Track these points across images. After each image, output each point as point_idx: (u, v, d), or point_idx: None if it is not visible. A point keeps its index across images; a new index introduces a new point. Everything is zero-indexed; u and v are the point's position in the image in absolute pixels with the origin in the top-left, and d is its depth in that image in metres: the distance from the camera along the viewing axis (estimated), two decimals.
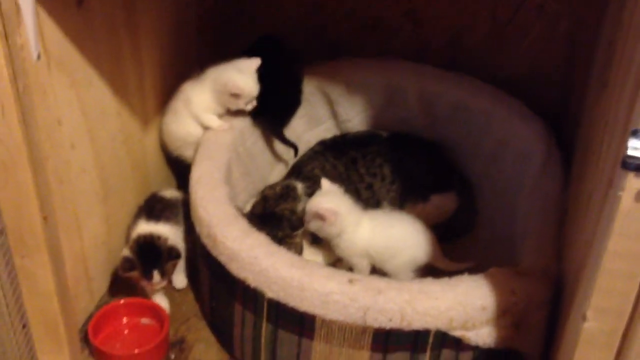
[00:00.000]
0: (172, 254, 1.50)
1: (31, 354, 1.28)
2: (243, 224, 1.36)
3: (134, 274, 1.47)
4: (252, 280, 1.28)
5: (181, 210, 1.63)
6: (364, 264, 1.48)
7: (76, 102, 1.35)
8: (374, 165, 1.69)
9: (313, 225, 1.48)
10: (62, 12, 1.23)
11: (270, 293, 1.26)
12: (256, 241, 1.31)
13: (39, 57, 1.16)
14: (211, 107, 1.63)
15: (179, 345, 1.49)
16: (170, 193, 1.67)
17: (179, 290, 1.63)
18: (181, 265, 1.62)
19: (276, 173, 1.79)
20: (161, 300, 1.56)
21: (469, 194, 1.74)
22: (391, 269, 1.47)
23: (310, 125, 1.84)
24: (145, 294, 1.56)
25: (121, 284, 1.62)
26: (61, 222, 1.31)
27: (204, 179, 1.48)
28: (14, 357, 1.25)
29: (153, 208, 1.59)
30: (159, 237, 1.51)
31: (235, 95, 1.59)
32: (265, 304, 1.29)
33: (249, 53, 1.66)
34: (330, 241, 1.49)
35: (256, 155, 1.72)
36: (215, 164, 1.53)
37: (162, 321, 1.48)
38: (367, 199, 1.66)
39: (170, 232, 1.55)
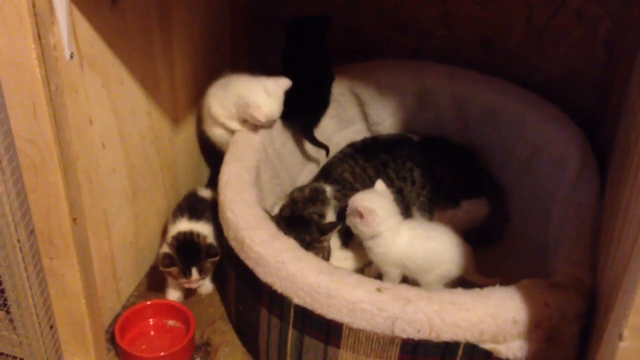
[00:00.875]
0: (211, 252, 1.50)
1: (58, 354, 1.29)
2: (271, 228, 1.35)
3: (173, 270, 1.47)
4: (279, 286, 1.26)
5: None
6: (396, 273, 1.46)
7: (107, 101, 1.34)
8: (404, 169, 1.66)
9: (350, 221, 1.46)
10: (96, 10, 1.23)
11: (296, 299, 1.24)
12: (284, 246, 1.30)
13: (71, 56, 1.15)
14: (232, 115, 1.62)
15: (205, 348, 1.48)
16: (208, 193, 1.67)
17: (203, 294, 1.62)
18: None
19: (305, 175, 1.77)
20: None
21: (500, 200, 1.70)
22: (424, 280, 1.44)
23: (340, 127, 1.82)
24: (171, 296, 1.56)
25: (148, 285, 1.63)
26: (90, 222, 1.31)
27: (232, 180, 1.46)
28: (41, 357, 1.26)
29: (196, 207, 1.59)
30: (198, 235, 1.52)
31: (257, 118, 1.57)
32: (292, 310, 1.27)
33: (288, 33, 1.67)
34: (364, 242, 1.47)
35: (285, 157, 1.70)
36: (245, 166, 1.51)
37: (188, 323, 1.47)
38: (396, 204, 1.63)
39: (209, 232, 1.55)
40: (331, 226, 1.51)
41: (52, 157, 1.02)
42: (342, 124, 1.83)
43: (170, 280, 1.56)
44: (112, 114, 1.36)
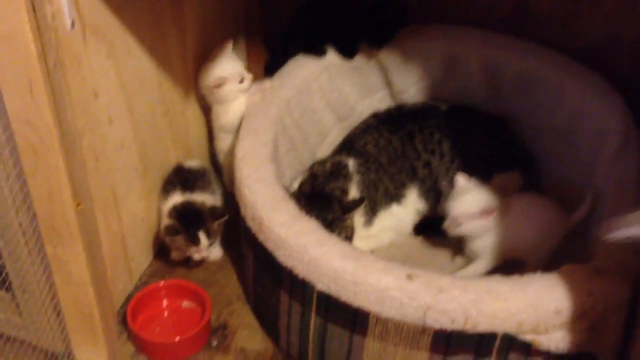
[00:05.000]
0: (217, 213, 1.44)
1: (66, 341, 1.22)
2: (291, 208, 1.26)
3: (180, 240, 1.41)
4: (301, 270, 1.18)
5: (213, 179, 1.57)
6: (492, 260, 1.41)
7: (114, 72, 1.25)
8: (432, 141, 1.56)
9: (455, 228, 1.39)
10: None
11: (320, 285, 1.16)
12: (305, 227, 1.21)
13: (72, 25, 1.05)
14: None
15: (222, 330, 1.40)
16: (196, 163, 1.59)
17: (220, 271, 1.54)
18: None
19: (325, 147, 1.67)
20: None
21: (534, 173, 1.60)
22: (532, 258, 1.39)
23: (362, 94, 1.71)
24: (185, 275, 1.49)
25: (161, 264, 1.55)
26: (98, 201, 1.23)
27: (248, 156, 1.37)
28: (48, 346, 1.19)
29: (186, 179, 1.51)
30: (197, 202, 1.45)
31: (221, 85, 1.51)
32: (315, 296, 1.19)
33: None
34: (471, 241, 1.42)
35: (304, 127, 1.60)
36: (261, 139, 1.42)
37: (203, 304, 1.40)
38: (424, 178, 1.54)
39: (207, 200, 1.49)
40: (355, 203, 1.41)
41: (52, 139, 0.93)
42: (364, 92, 1.72)
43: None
44: (119, 87, 1.27)
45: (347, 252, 1.15)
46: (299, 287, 1.20)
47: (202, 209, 1.44)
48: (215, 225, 1.43)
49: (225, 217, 1.44)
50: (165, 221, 1.44)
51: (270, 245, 1.23)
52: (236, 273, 1.53)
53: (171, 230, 1.40)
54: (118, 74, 1.25)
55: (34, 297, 1.17)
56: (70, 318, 1.13)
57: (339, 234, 1.37)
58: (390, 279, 1.10)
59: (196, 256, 1.45)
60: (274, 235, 1.21)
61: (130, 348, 1.35)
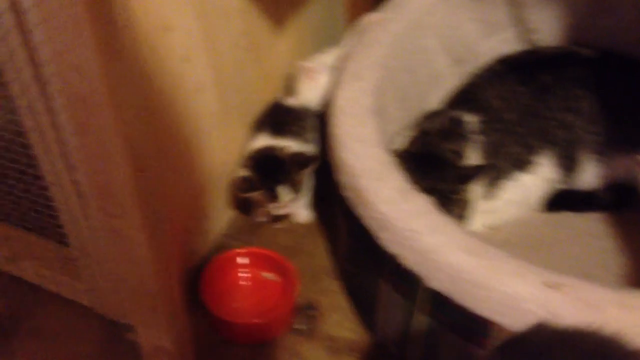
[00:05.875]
0: (299, 160, 1.25)
1: (127, 313, 1.06)
2: (400, 179, 1.01)
3: (256, 196, 1.23)
4: (409, 260, 0.95)
5: (310, 124, 1.36)
6: None
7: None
8: (571, 97, 1.26)
9: None
10: None
11: (432, 281, 0.93)
12: (418, 207, 0.97)
13: None
14: None
15: (308, 311, 1.20)
16: (295, 101, 1.39)
17: (308, 236, 1.33)
18: (305, 196, 1.34)
19: (438, 95, 1.40)
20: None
21: None
22: None
23: (484, 32, 1.42)
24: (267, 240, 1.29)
25: (241, 224, 1.35)
26: (169, 154, 1.04)
27: (349, 107, 1.13)
28: (109, 313, 1.04)
29: (280, 121, 1.33)
30: (280, 148, 1.27)
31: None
32: (423, 293, 0.96)
33: None
34: None
35: (415, 70, 1.33)
36: (364, 87, 1.17)
37: (287, 277, 1.19)
38: (559, 142, 1.25)
39: (295, 147, 1.29)
40: (475, 170, 1.16)
41: (104, 89, 0.71)
42: (487, 30, 1.42)
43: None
44: (195, 17, 1.04)
45: (471, 245, 0.91)
46: (404, 279, 0.98)
47: (283, 157, 1.26)
48: (300, 175, 1.24)
49: (311, 166, 1.24)
50: (241, 172, 1.26)
51: (371, 224, 1.00)
52: (328, 242, 1.32)
53: (244, 185, 1.21)
54: (193, 1, 1.02)
55: (93, 263, 1.00)
56: (130, 291, 0.95)
57: (453, 210, 1.12)
58: (524, 286, 0.86)
59: (277, 212, 1.26)
60: (378, 213, 0.98)
61: (200, 325, 1.17)
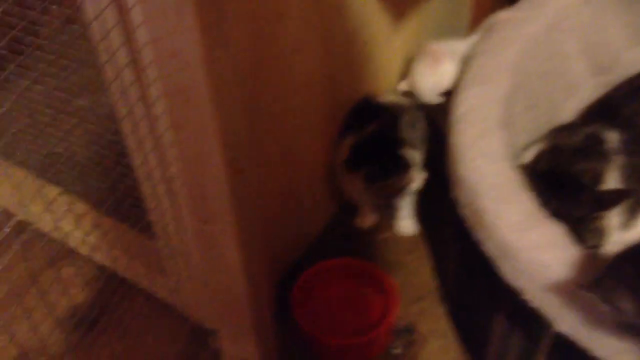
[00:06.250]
0: None
1: (212, 320, 0.98)
2: (529, 202, 0.88)
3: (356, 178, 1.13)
4: (534, 298, 0.82)
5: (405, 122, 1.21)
6: None
7: None
8: None
9: None
10: None
11: (562, 325, 0.79)
12: (550, 237, 0.83)
13: None
14: None
15: (407, 334, 1.09)
16: (393, 97, 1.27)
17: (412, 252, 1.21)
18: (408, 206, 1.23)
19: (572, 106, 1.24)
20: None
21: None
22: None
23: (634, 41, 1.26)
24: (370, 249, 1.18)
25: (339, 232, 1.25)
26: (267, 149, 0.95)
27: (472, 115, 1.00)
28: (196, 310, 0.96)
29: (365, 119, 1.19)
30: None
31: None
32: (549, 337, 0.83)
33: None
34: None
35: (548, 77, 1.18)
36: (491, 92, 1.04)
37: (388, 295, 1.08)
38: None
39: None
40: (617, 196, 1.00)
41: (206, 79, 0.63)
42: (637, 37, 1.25)
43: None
44: (312, 5, 0.94)
45: None
46: (527, 318, 0.85)
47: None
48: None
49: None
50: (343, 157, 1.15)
51: (491, 251, 0.87)
52: (433, 258, 1.20)
53: (370, 175, 1.10)
54: None
55: (180, 262, 0.94)
56: (217, 295, 0.87)
57: (585, 240, 0.97)
58: None
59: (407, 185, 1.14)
60: (500, 239, 0.85)
61: (287, 338, 1.08)
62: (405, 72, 1.31)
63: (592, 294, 0.71)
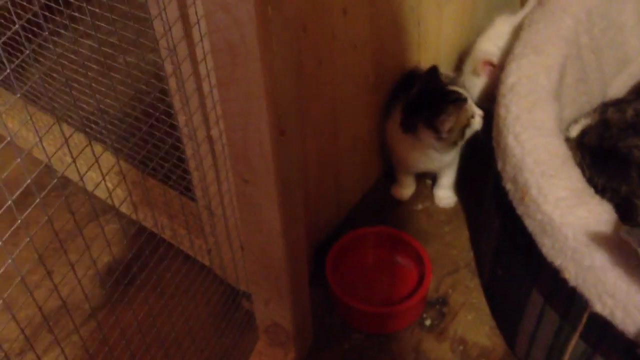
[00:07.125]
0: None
1: (247, 284, 0.99)
2: (578, 179, 0.86)
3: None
4: (573, 277, 0.80)
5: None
6: None
7: None
8: None
9: None
10: None
11: (598, 305, 0.78)
12: (597, 215, 0.81)
13: None
14: None
15: (439, 306, 1.08)
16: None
17: (449, 224, 1.20)
18: (450, 176, 1.21)
19: (622, 81, 1.21)
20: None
21: None
22: None
23: None
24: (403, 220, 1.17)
25: (377, 200, 1.24)
26: (310, 122, 0.94)
27: (522, 86, 0.97)
28: (230, 279, 0.97)
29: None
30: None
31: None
32: (585, 316, 0.81)
33: None
34: None
35: (602, 50, 1.14)
36: (544, 63, 1.01)
37: (420, 264, 1.08)
38: None
39: None
40: None
41: (256, 36, 0.62)
42: None
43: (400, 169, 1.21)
44: None
45: None
46: (563, 296, 0.84)
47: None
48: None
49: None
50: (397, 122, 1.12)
51: (533, 227, 0.85)
52: (470, 231, 1.18)
53: (429, 117, 1.06)
54: None
55: (218, 224, 0.94)
56: (254, 258, 0.87)
57: (636, 217, 0.95)
58: None
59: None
60: (543, 215, 0.83)
61: (320, 303, 1.08)
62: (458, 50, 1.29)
63: (629, 238, 0.70)
